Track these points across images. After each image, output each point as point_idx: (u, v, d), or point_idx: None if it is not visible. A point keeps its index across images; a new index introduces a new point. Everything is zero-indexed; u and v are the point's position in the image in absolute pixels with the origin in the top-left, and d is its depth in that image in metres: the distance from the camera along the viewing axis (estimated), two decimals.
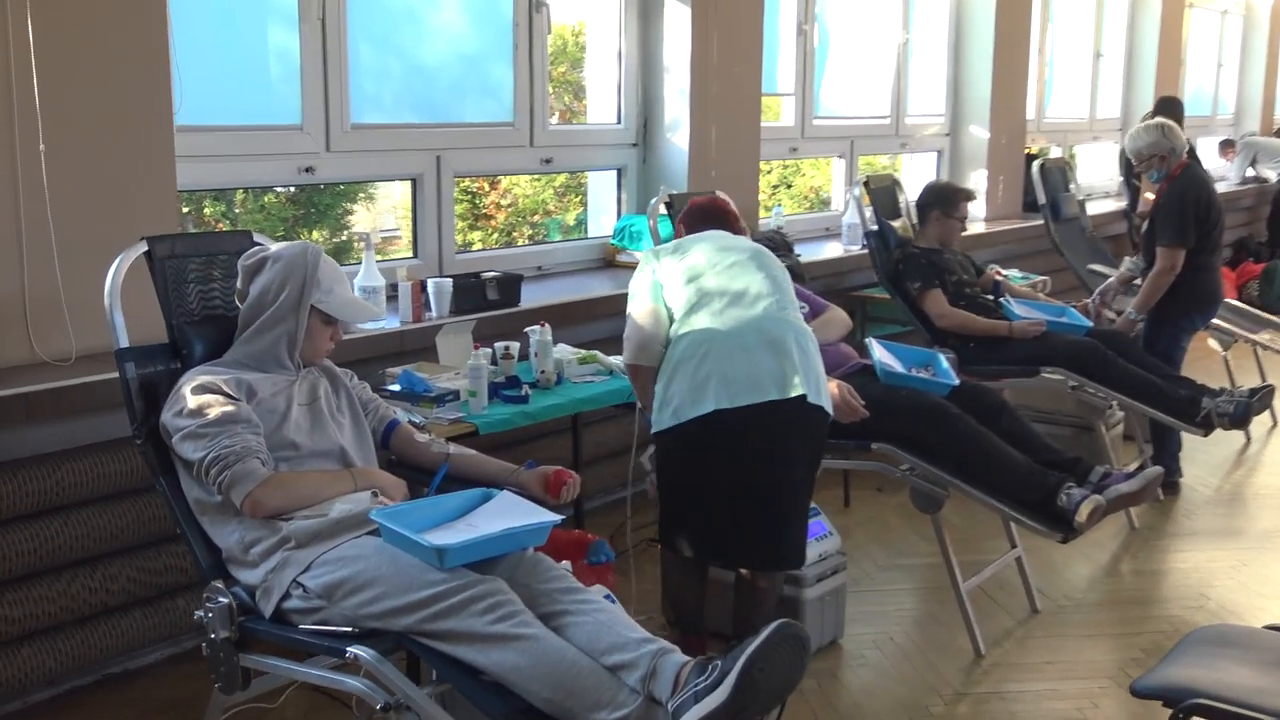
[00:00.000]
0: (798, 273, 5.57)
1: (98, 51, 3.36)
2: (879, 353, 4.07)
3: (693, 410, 3.19)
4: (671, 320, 3.32)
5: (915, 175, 7.87)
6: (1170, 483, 5.32)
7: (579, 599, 2.48)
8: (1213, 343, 6.45)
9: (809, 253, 6.04)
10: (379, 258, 4.36)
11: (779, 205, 6.38)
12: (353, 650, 2.39)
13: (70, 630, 3.32)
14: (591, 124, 5.60)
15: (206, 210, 5.21)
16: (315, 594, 2.50)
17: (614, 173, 5.49)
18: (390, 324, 4.02)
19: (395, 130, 4.48)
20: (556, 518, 2.61)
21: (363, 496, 2.70)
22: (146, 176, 3.52)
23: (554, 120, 5.07)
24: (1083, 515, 3.53)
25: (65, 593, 3.28)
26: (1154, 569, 4.57)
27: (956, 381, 4.01)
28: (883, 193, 5.54)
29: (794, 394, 3.22)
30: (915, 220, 5.45)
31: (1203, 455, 5.79)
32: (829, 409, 3.39)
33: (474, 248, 6.81)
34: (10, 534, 3.16)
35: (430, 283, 4.15)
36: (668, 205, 4.52)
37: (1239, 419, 4.66)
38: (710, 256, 3.40)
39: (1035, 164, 6.65)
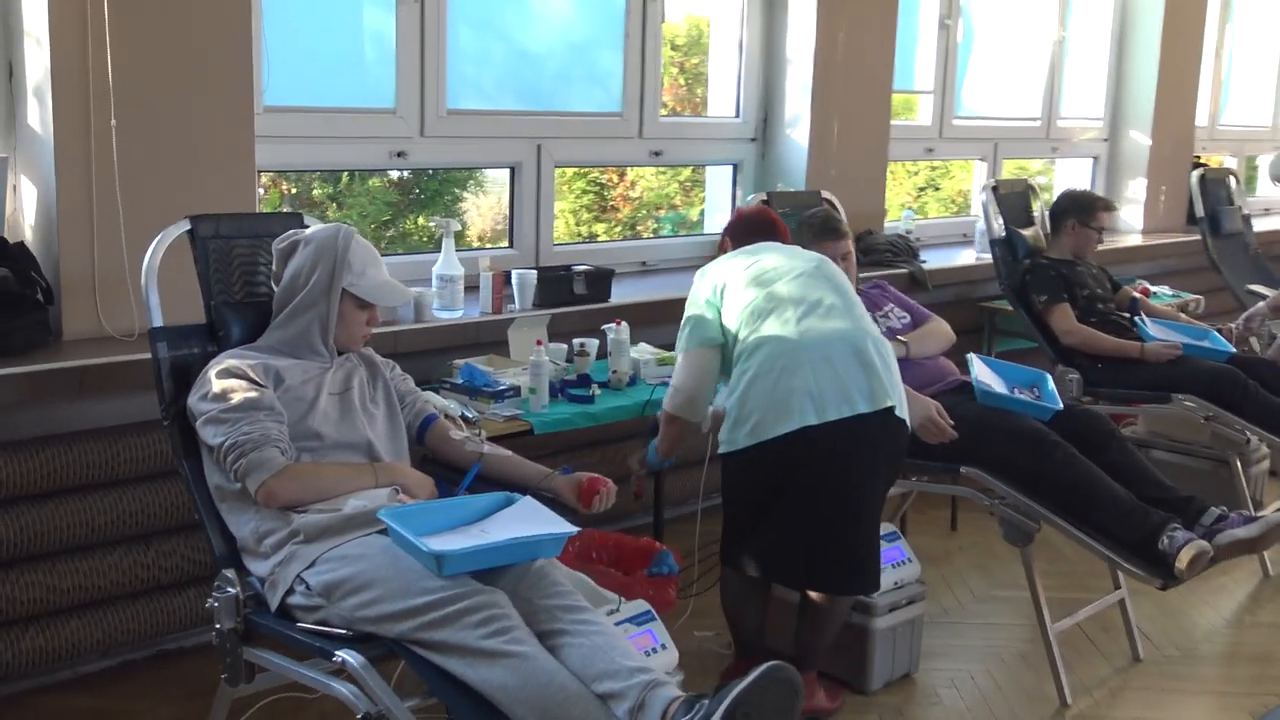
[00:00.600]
0: (919, 279, 5.33)
1: (175, 27, 3.35)
2: (978, 369, 3.80)
3: (777, 428, 3.01)
4: (724, 334, 3.15)
5: (1069, 182, 7.45)
6: None
7: (579, 619, 2.33)
8: None
9: (940, 259, 5.74)
10: (488, 246, 4.30)
11: (909, 209, 6.09)
12: (340, 654, 2.30)
13: (123, 604, 3.33)
14: (707, 117, 5.43)
15: (315, 192, 5.25)
16: (316, 591, 2.42)
17: (729, 168, 5.30)
18: (470, 314, 3.93)
19: (494, 117, 4.39)
20: (572, 529, 2.47)
21: (381, 493, 2.60)
22: (225, 156, 3.50)
23: (676, 113, 4.90)
24: (1182, 561, 3.21)
25: (118, 566, 3.29)
26: None
27: (1060, 406, 3.71)
28: (1014, 198, 5.21)
29: (882, 406, 3.04)
30: (1049, 229, 5.12)
31: None
32: (909, 422, 3.18)
33: (599, 239, 6.72)
34: (65, 505, 3.18)
35: (515, 274, 4.06)
36: (764, 204, 4.32)
37: None
38: (781, 262, 3.22)
39: (1195, 174, 6.18)
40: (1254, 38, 8.55)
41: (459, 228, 3.91)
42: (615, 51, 4.68)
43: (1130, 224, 7.27)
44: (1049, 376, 3.90)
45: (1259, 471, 5.03)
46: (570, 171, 6.87)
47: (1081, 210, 5.01)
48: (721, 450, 3.14)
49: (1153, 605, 4.12)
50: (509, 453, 2.88)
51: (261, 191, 4.28)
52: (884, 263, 5.33)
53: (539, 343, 3.42)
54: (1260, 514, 3.45)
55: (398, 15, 4.03)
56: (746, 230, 3.47)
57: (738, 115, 5.24)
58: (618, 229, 6.80)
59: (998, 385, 3.80)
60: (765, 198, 4.35)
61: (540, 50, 4.55)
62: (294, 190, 5.21)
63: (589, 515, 2.74)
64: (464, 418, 3.23)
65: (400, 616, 2.31)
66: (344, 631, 2.37)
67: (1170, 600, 4.17)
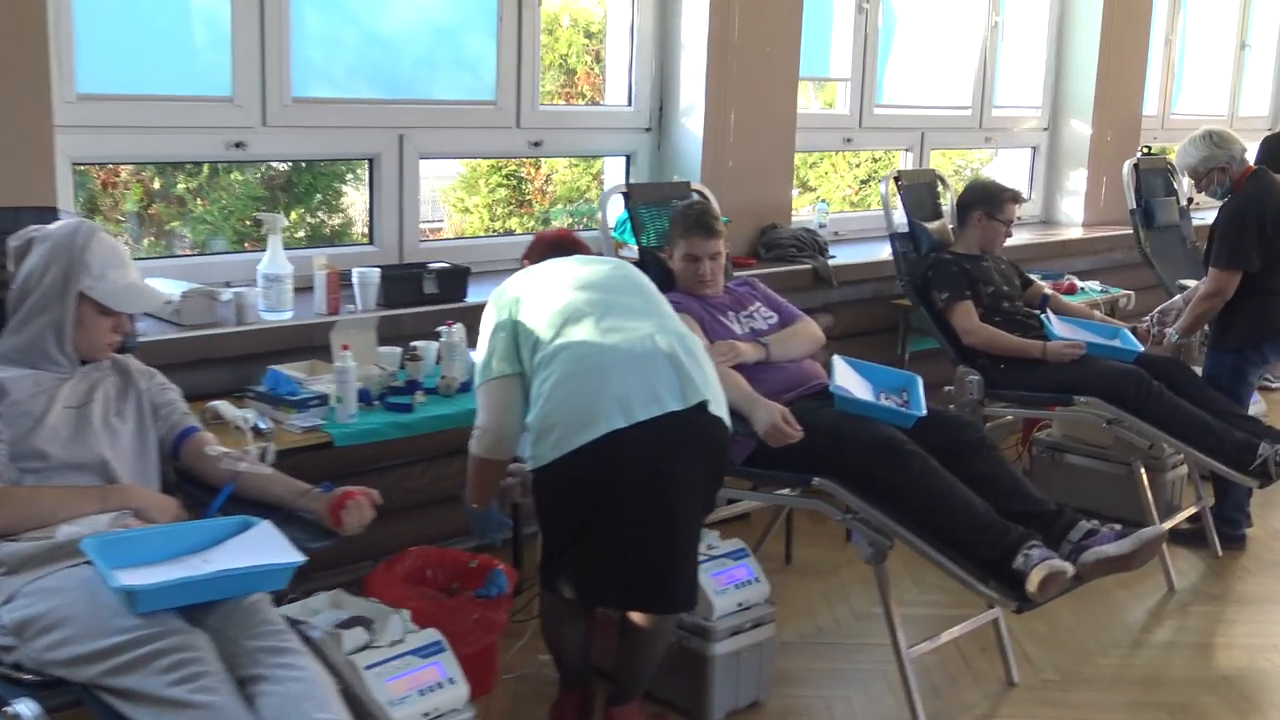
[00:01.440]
0: (823, 276, 5.07)
1: None
2: (839, 373, 3.54)
3: (581, 436, 2.77)
4: (521, 358, 2.93)
5: (1007, 173, 7.19)
6: (1233, 535, 4.59)
7: (280, 662, 2.08)
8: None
9: (856, 255, 5.48)
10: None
11: (823, 202, 5.83)
12: (15, 705, 2.05)
13: None
14: (596, 106, 5.17)
15: (180, 186, 5.00)
16: (9, 629, 2.18)
17: (623, 159, 5.04)
18: (304, 316, 3.68)
19: (348, 105, 4.13)
20: (299, 559, 2.22)
21: (104, 519, 2.35)
22: (19, 146, 3.25)
23: (595, 103, 4.64)
24: (1033, 583, 2.95)
25: None
26: (1181, 641, 3.90)
27: (922, 412, 3.45)
28: (918, 190, 4.95)
29: (695, 402, 2.83)
30: (956, 223, 4.86)
31: None
32: (728, 421, 2.96)
33: (516, 232, 6.47)
34: None
35: (355, 272, 3.81)
36: (626, 196, 4.07)
37: None
38: (577, 269, 3.04)
39: (1127, 163, 5.90)
40: (1209, 25, 8.27)
41: (286, 223, 3.64)
42: (487, 36, 4.42)
43: (1070, 216, 7.00)
44: (919, 380, 3.64)
45: (1175, 476, 4.77)
46: (485, 164, 6.63)
47: (988, 202, 4.75)
48: (529, 467, 2.90)
49: (1042, 622, 3.87)
50: (270, 470, 2.63)
51: (100, 186, 4.11)
52: (787, 258, 5.07)
53: (345, 347, 3.17)
54: (1132, 530, 3.19)
55: None
56: (544, 253, 3.23)
57: (630, 103, 4.98)
58: (531, 223, 6.55)
59: (861, 390, 3.55)
60: (626, 190, 4.09)
61: (398, 34, 4.29)
62: (159, 184, 4.97)
63: (348, 535, 2.48)
64: (256, 429, 2.99)
65: (90, 659, 2.06)
66: (32, 677, 2.12)
67: (1061, 616, 3.93)
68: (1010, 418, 4.71)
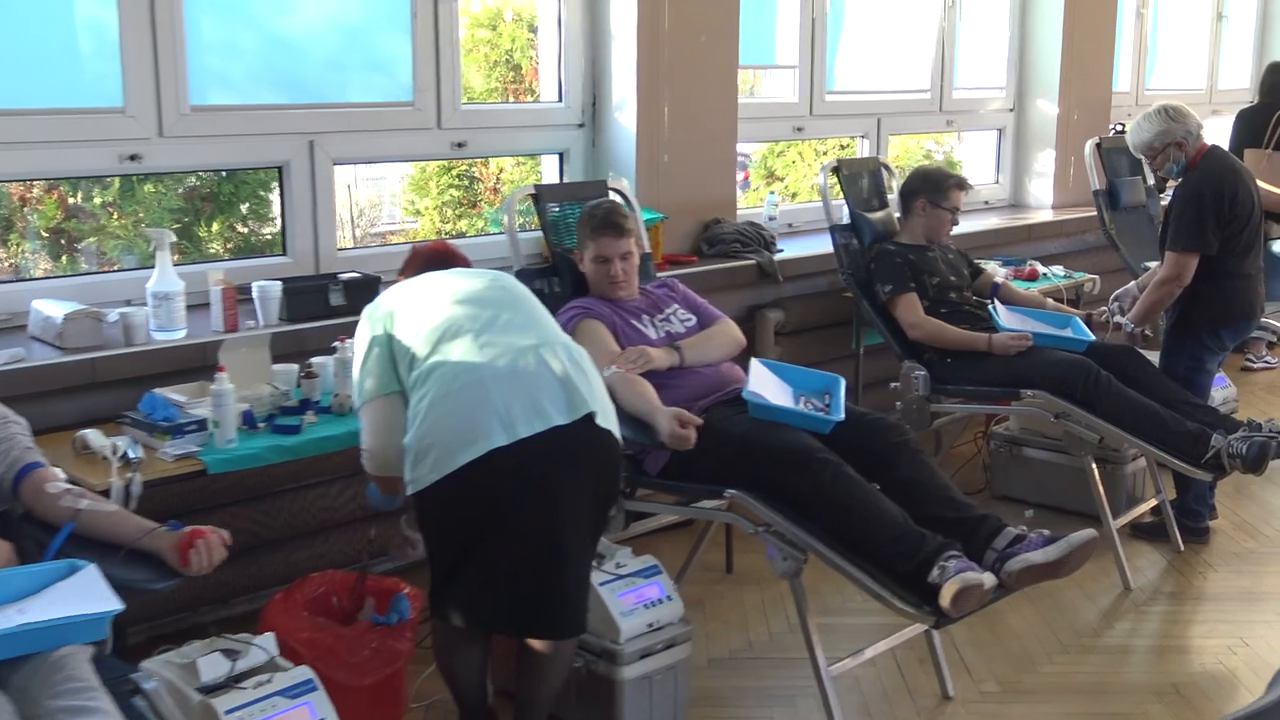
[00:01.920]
0: (768, 271, 4.90)
1: None
2: (755, 376, 3.37)
3: (461, 456, 2.63)
4: (398, 373, 2.79)
5: (971, 158, 7.02)
6: (1195, 528, 4.41)
7: None
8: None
9: (811, 247, 5.29)
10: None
11: (772, 193, 5.65)
12: None
13: None
14: (521, 104, 5.01)
15: (96, 199, 4.84)
16: None
17: (556, 158, 4.88)
18: (198, 335, 3.53)
19: (252, 112, 3.97)
20: (114, 609, 2.06)
21: None
22: None
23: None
24: (945, 598, 2.78)
25: None
26: (1133, 645, 3.73)
27: (840, 417, 3.28)
28: (860, 179, 4.77)
29: (581, 414, 2.68)
30: (901, 212, 4.69)
31: (1265, 493, 4.83)
32: (618, 434, 2.82)
33: (468, 234, 6.32)
34: None
35: (255, 286, 3.65)
36: (535, 198, 3.90)
37: (1254, 461, 3.76)
38: (452, 281, 2.90)
39: (1089, 142, 5.71)
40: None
41: (174, 238, 3.48)
42: (401, 35, 4.26)
43: (1040, 199, 6.80)
44: (841, 382, 3.47)
45: (1136, 469, 4.58)
46: (433, 166, 6.47)
47: (932, 189, 4.57)
48: (409, 491, 2.74)
49: (985, 627, 3.70)
50: (114, 507, 2.48)
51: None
52: (730, 254, 4.90)
53: (220, 368, 3.01)
54: (1061, 536, 3.00)
55: (119, 4, 3.61)
56: (421, 266, 3.08)
57: (561, 99, 4.81)
58: (482, 224, 6.38)
59: (779, 394, 3.37)
60: (534, 191, 3.92)
61: (303, 37, 4.12)
62: (78, 198, 4.82)
63: (195, 576, 2.33)
64: (125, 458, 2.83)
65: None
66: None
67: (1009, 620, 3.76)
68: (958, 414, 4.52)
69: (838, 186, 4.73)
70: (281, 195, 4.13)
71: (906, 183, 4.67)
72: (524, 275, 3.58)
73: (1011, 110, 6.79)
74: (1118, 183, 5.67)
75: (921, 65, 6.29)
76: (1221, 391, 4.92)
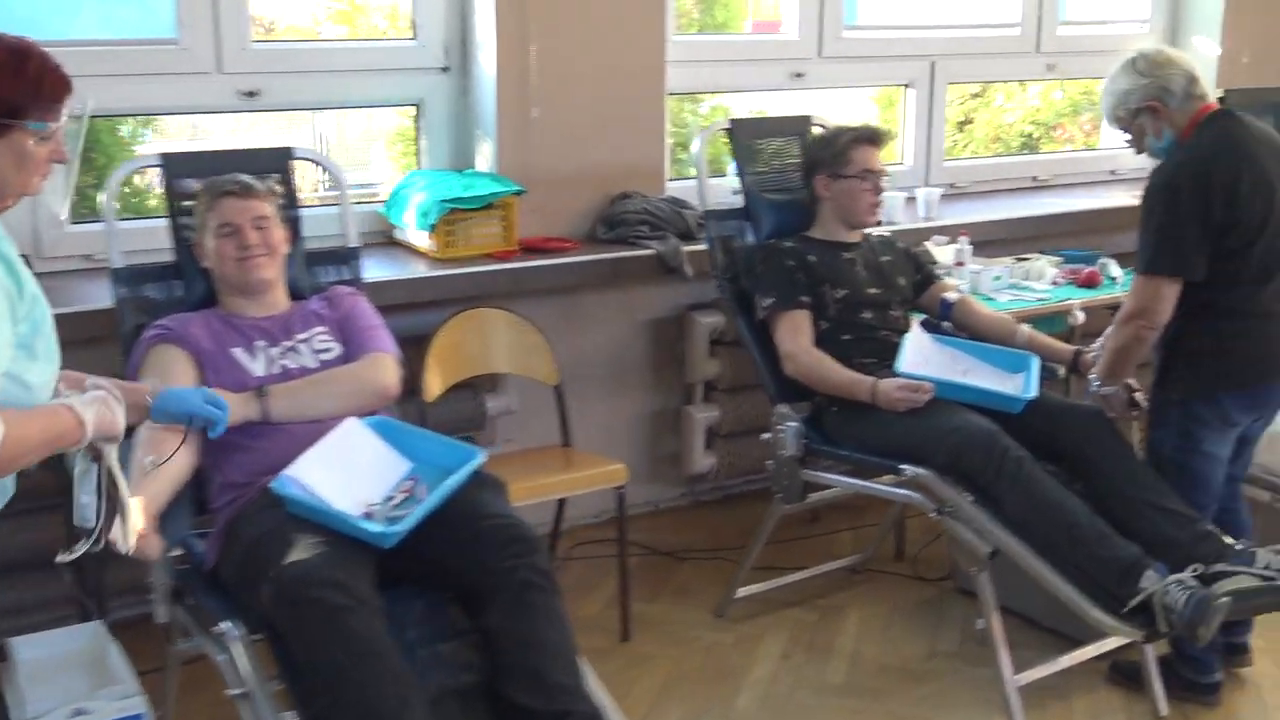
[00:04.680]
0: (672, 265, 3.71)
1: None
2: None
3: None
4: None
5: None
6: (1197, 682, 2.90)
7: None
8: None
9: None
10: None
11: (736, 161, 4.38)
12: None
13: None
14: (358, 41, 4.02)
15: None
16: None
17: (412, 109, 3.88)
18: None
19: None
20: None
21: None
22: None
23: None
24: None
25: None
26: None
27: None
28: (767, 146, 3.49)
29: None
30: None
31: None
32: None
33: None
34: None
35: None
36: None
37: (1191, 620, 2.34)
38: None
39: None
40: None
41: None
42: None
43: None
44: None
45: None
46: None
47: (827, 160, 3.26)
48: None
49: None
50: None
51: None
52: (627, 240, 3.76)
53: None
54: None
55: None
56: None
57: (415, 37, 3.79)
58: None
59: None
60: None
61: None
62: None
63: None
64: None
65: None
66: None
67: None
68: (834, 490, 3.24)
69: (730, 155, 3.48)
70: None
71: (802, 161, 3.39)
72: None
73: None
74: None
75: None
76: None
